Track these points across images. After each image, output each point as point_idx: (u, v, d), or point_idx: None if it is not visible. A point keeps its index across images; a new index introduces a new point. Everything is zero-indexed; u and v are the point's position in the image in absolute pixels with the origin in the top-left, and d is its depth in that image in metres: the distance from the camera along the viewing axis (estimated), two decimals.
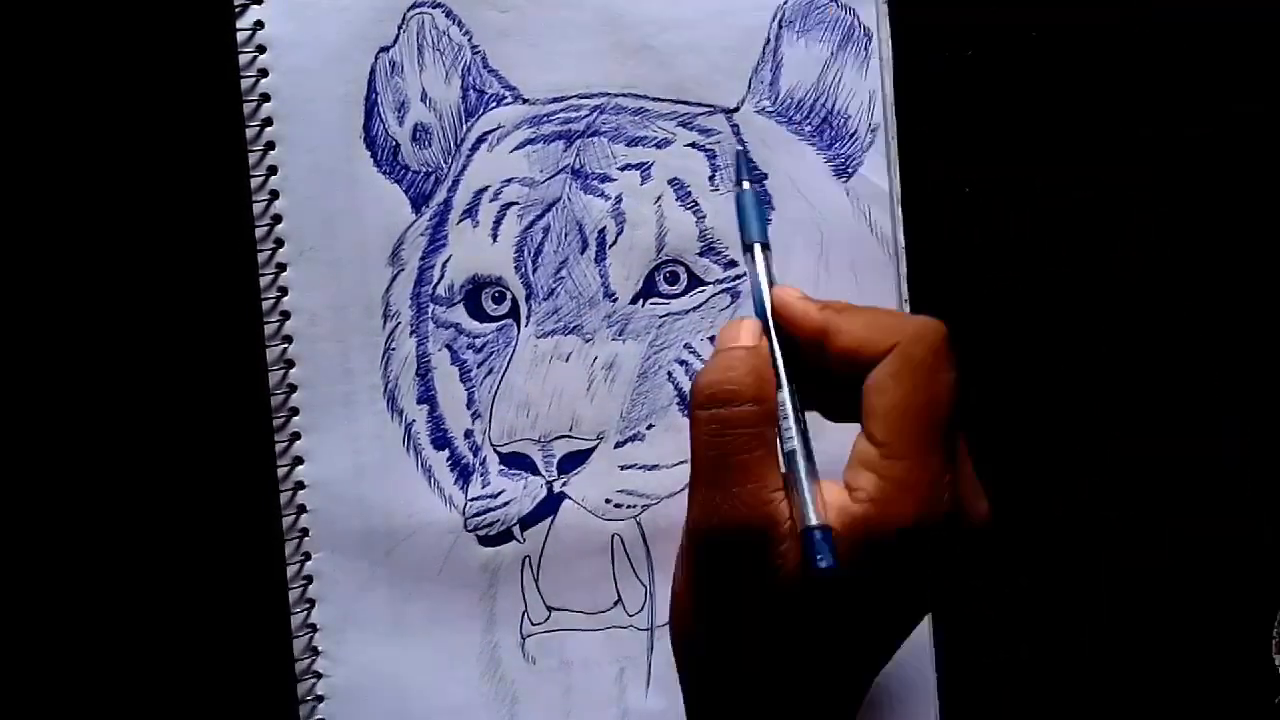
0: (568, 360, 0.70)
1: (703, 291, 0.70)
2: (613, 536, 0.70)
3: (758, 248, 0.61)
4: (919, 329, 0.57)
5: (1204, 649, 0.72)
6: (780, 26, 0.70)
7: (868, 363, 0.56)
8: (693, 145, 0.70)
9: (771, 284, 0.60)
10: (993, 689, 0.73)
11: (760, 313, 0.59)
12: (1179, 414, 0.74)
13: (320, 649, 0.70)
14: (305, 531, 0.70)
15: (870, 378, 0.56)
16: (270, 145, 0.70)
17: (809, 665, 0.57)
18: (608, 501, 0.69)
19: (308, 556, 0.70)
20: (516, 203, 0.70)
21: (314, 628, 0.70)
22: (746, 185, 0.63)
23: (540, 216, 0.70)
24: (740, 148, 0.70)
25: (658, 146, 0.70)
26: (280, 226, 0.70)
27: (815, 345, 0.57)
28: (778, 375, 0.57)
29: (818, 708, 0.58)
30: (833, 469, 0.57)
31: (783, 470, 0.56)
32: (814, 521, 0.54)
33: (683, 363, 0.70)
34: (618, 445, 0.70)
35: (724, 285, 0.71)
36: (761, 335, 0.58)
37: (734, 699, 0.59)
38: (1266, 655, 0.72)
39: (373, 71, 0.70)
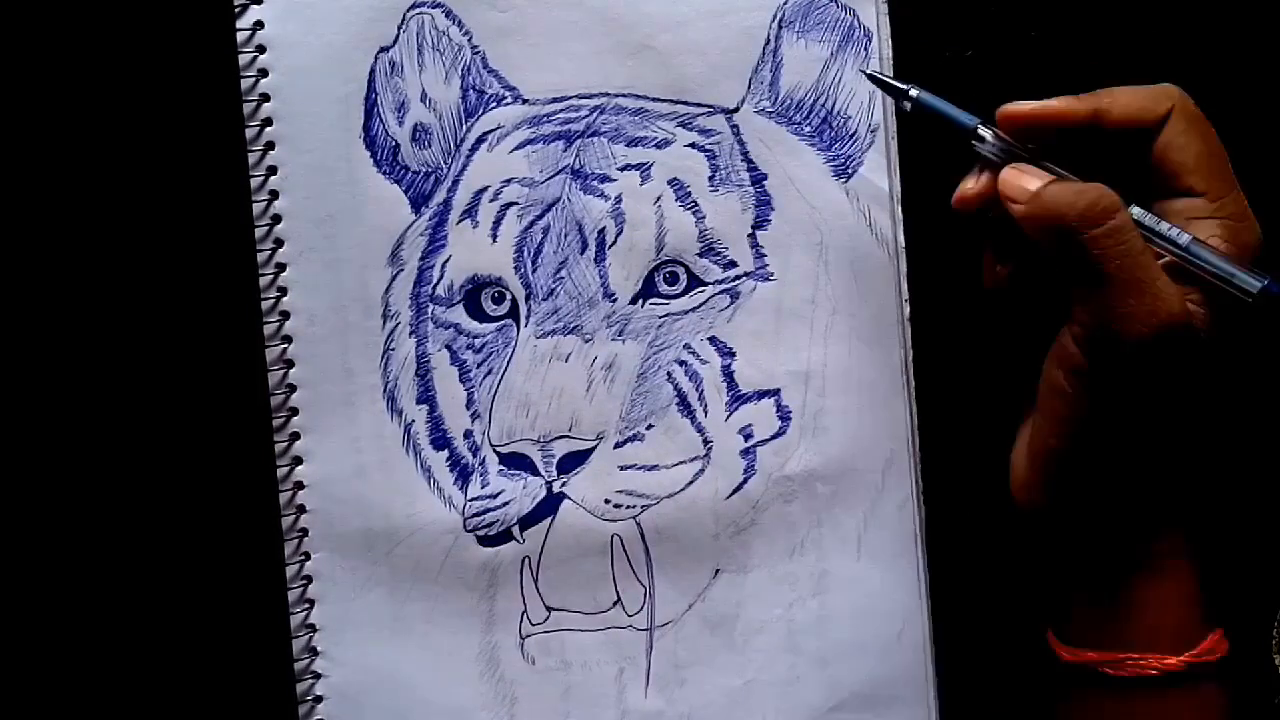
0: (567, 360, 0.70)
1: (702, 292, 0.70)
2: (612, 537, 0.70)
3: (981, 129, 0.66)
4: (1181, 91, 0.64)
5: None
6: (780, 27, 0.70)
7: (1150, 125, 0.63)
8: (692, 146, 0.70)
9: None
10: (992, 688, 0.73)
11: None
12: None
13: (319, 649, 0.70)
14: (305, 531, 0.70)
15: (1163, 139, 0.63)
16: (270, 145, 0.69)
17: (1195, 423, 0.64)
18: (607, 502, 0.69)
19: (307, 556, 0.70)
20: (516, 203, 0.70)
21: (313, 628, 0.70)
22: (915, 92, 0.67)
23: (540, 217, 0.70)
24: (869, 71, 0.70)
25: (657, 147, 0.70)
26: (280, 226, 0.70)
27: (1089, 130, 0.64)
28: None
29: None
30: None
31: None
32: (1257, 285, 0.61)
33: (682, 363, 0.70)
34: (617, 445, 0.70)
35: (724, 286, 0.71)
36: None
37: (1145, 489, 0.65)
38: (1267, 655, 0.72)
39: (373, 71, 0.70)
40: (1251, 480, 0.74)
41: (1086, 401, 0.63)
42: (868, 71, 0.70)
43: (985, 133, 0.66)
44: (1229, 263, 0.61)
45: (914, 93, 0.67)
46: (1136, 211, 0.62)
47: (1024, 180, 0.63)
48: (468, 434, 0.70)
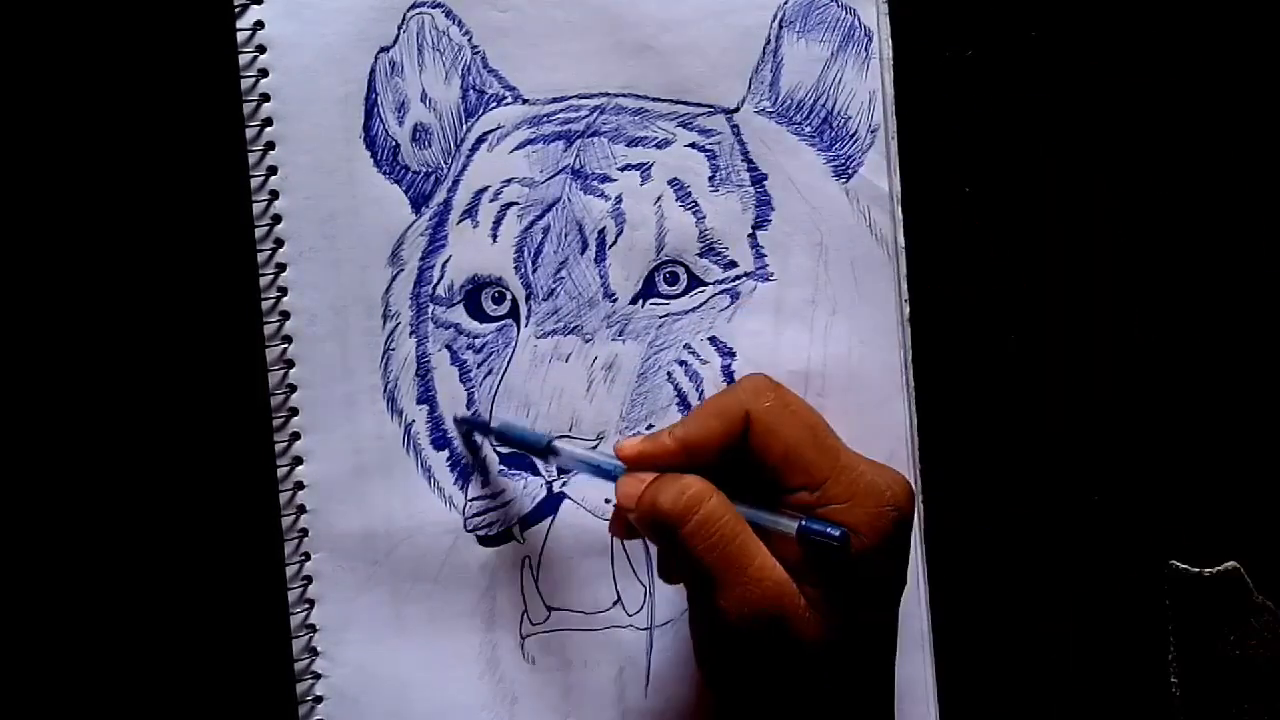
0: (567, 360, 0.70)
1: (702, 292, 0.70)
2: (612, 536, 0.70)
3: (556, 443, 0.66)
4: (750, 387, 0.64)
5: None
6: (780, 26, 0.71)
7: (736, 442, 0.62)
8: (693, 146, 0.70)
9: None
10: (992, 688, 0.73)
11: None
12: (1179, 413, 0.74)
13: (319, 649, 0.70)
14: (305, 531, 0.70)
15: (750, 448, 0.63)
16: (270, 145, 0.69)
17: (842, 682, 0.62)
18: (607, 501, 0.69)
19: (307, 556, 0.70)
20: (516, 203, 0.70)
21: (313, 628, 0.70)
22: (494, 424, 0.70)
23: (540, 217, 0.70)
24: (457, 415, 0.71)
25: (658, 147, 0.70)
26: (280, 226, 0.70)
27: (685, 461, 0.62)
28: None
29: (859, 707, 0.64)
30: None
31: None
32: (798, 521, 0.60)
33: (682, 363, 0.70)
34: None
35: (724, 285, 0.71)
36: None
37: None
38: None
39: (373, 71, 0.70)
40: (1250, 477, 0.74)
41: (709, 667, 0.64)
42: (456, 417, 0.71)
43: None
44: (766, 518, 0.61)
45: (495, 424, 0.70)
46: (744, 510, 0.61)
47: (631, 487, 0.63)
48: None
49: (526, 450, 0.68)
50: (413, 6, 0.70)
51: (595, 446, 0.69)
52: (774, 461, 0.62)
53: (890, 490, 0.62)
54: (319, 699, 0.70)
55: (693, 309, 0.70)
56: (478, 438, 0.70)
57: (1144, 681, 0.73)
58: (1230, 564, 0.73)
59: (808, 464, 0.62)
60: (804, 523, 0.60)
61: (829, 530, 0.59)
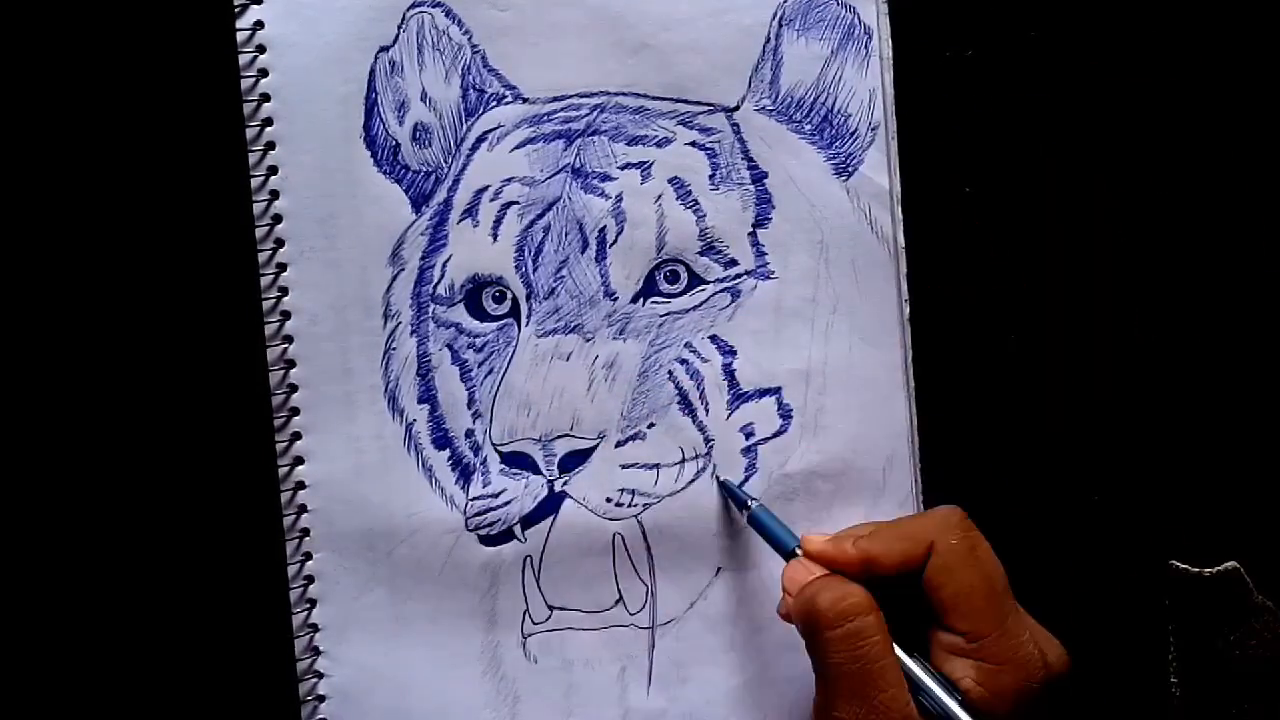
0: (568, 359, 0.70)
1: (703, 290, 0.71)
2: (614, 535, 0.70)
3: (798, 550, 0.67)
4: (942, 519, 0.64)
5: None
6: (780, 25, 0.71)
7: (917, 566, 0.63)
8: (693, 144, 0.70)
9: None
10: None
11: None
12: (1179, 413, 0.74)
13: (321, 649, 0.70)
14: (306, 531, 0.70)
15: (925, 576, 0.63)
16: (270, 145, 0.69)
17: None
18: (609, 500, 0.69)
19: (308, 556, 0.70)
20: (517, 202, 0.70)
21: (315, 628, 0.70)
22: (753, 504, 0.70)
23: (540, 216, 0.70)
24: (722, 479, 0.71)
25: (658, 145, 0.70)
26: (280, 226, 0.70)
27: (865, 576, 0.64)
28: None
29: None
30: None
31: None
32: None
33: (683, 361, 0.70)
34: (619, 444, 0.70)
35: (724, 284, 0.71)
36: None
37: None
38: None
39: (373, 71, 0.70)
40: (1248, 476, 0.74)
41: None
42: (721, 478, 0.71)
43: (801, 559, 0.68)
44: (954, 708, 0.61)
45: (753, 505, 0.70)
46: (905, 658, 0.62)
47: (800, 575, 0.65)
48: (469, 433, 0.70)
49: (772, 543, 0.69)
50: (412, 6, 0.70)
51: (597, 446, 0.70)
52: (944, 600, 0.63)
53: (1047, 665, 0.62)
54: (321, 698, 0.70)
55: (693, 307, 0.70)
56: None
57: (1144, 681, 0.73)
58: (1230, 564, 0.73)
59: (976, 614, 0.62)
60: None
61: None
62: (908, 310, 0.71)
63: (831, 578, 0.64)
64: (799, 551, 0.67)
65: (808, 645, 0.63)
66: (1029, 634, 0.63)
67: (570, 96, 0.70)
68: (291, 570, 0.70)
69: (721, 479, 0.70)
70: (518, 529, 0.70)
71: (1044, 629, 0.64)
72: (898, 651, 0.62)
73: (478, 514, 0.70)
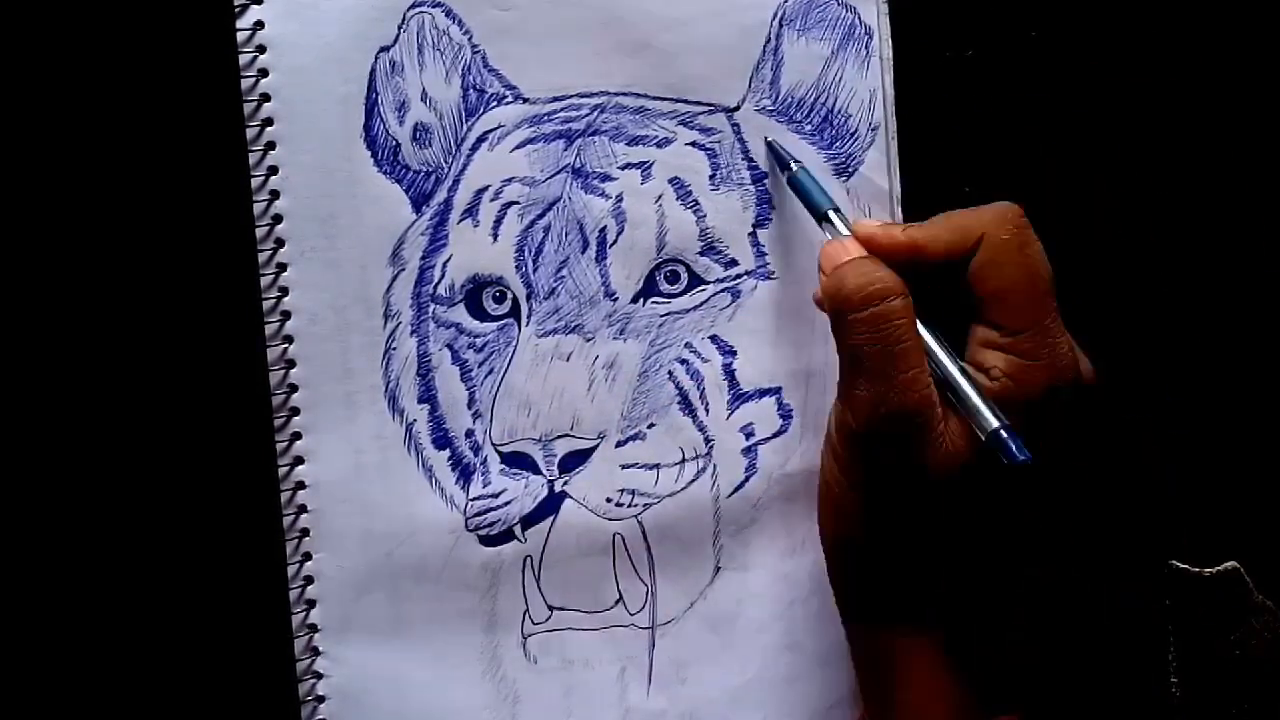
0: (568, 359, 0.70)
1: (703, 291, 0.71)
2: (614, 535, 0.70)
3: (832, 215, 0.67)
4: (997, 213, 0.63)
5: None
6: (781, 25, 0.71)
7: (963, 259, 0.63)
8: (693, 144, 0.70)
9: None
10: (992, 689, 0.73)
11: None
12: (1179, 413, 0.74)
13: (321, 649, 0.70)
14: (305, 531, 0.70)
15: (970, 269, 0.63)
16: (270, 145, 0.69)
17: (963, 537, 0.64)
18: (609, 500, 0.69)
19: (308, 557, 0.70)
20: (517, 202, 0.70)
21: (314, 628, 0.70)
22: (794, 166, 0.69)
23: (541, 216, 0.70)
24: (769, 139, 0.71)
25: (658, 145, 0.70)
26: (280, 226, 0.69)
27: (910, 263, 0.63)
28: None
29: (966, 592, 0.65)
30: None
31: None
32: (995, 424, 0.61)
33: (683, 361, 0.70)
34: (619, 444, 0.70)
35: (725, 284, 0.71)
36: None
37: (898, 581, 0.65)
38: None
39: (373, 71, 0.70)
40: (1248, 473, 0.74)
41: (841, 464, 0.65)
42: (769, 139, 0.71)
43: (835, 220, 0.67)
44: (974, 398, 0.62)
45: (795, 167, 0.69)
46: (938, 349, 0.63)
47: (837, 253, 0.65)
48: (469, 433, 0.70)
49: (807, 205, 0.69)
50: (413, 6, 0.70)
51: (597, 446, 0.69)
52: (987, 292, 0.63)
53: (1074, 370, 0.63)
54: (321, 698, 0.70)
55: (694, 308, 0.70)
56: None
57: (1144, 681, 0.73)
58: (1230, 564, 0.73)
59: (1016, 309, 0.62)
60: (1002, 431, 0.60)
61: (1015, 452, 0.60)
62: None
63: (862, 259, 0.63)
64: (832, 215, 0.67)
65: (833, 325, 0.63)
66: (1066, 337, 0.63)
67: (571, 97, 0.70)
68: (291, 570, 0.70)
69: (769, 139, 0.71)
70: (518, 529, 0.70)
71: (1076, 345, 0.64)
72: (923, 333, 0.62)
73: (478, 514, 0.70)
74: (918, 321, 0.62)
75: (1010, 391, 0.62)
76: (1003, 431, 0.60)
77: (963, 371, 0.63)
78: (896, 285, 0.61)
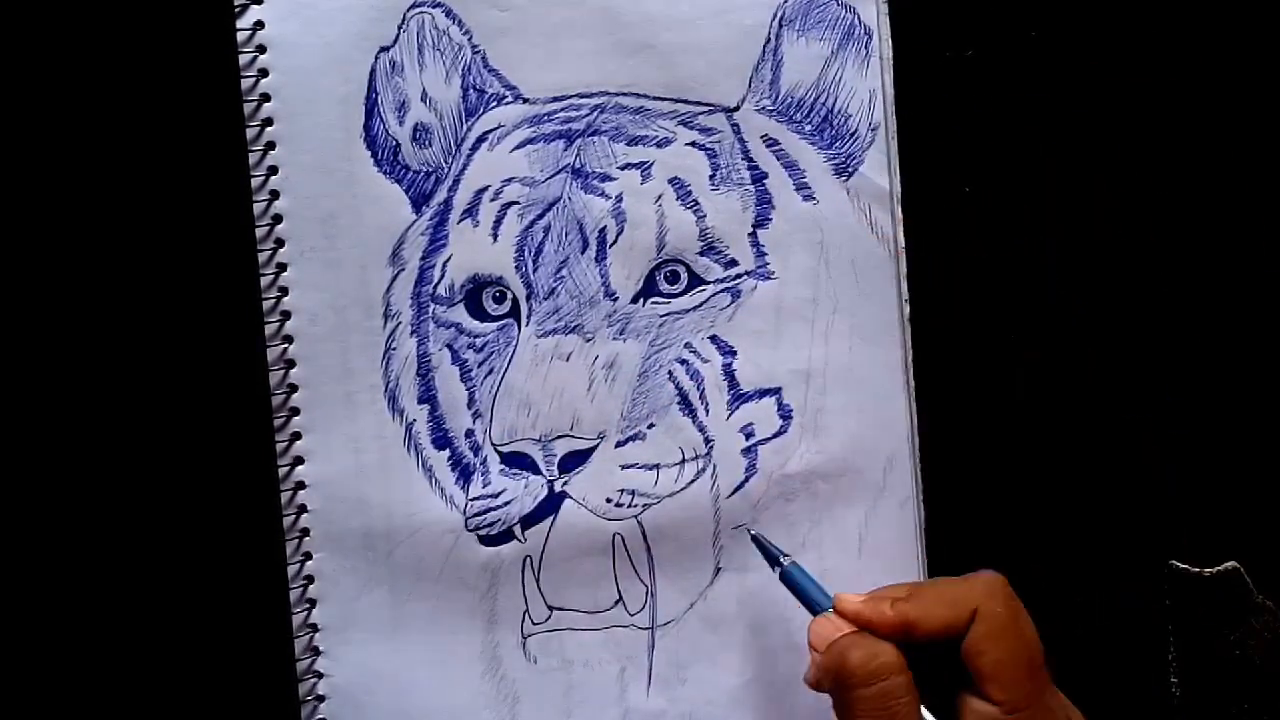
0: (568, 360, 0.70)
1: (703, 290, 0.70)
2: (614, 536, 0.70)
3: (829, 613, 0.65)
4: (987, 585, 0.63)
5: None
6: (780, 25, 0.71)
7: (958, 633, 0.62)
8: (693, 144, 0.70)
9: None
10: None
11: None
12: (1178, 413, 0.74)
13: (321, 649, 0.70)
14: (306, 531, 0.70)
15: (966, 645, 0.62)
16: (270, 145, 0.69)
17: None
18: (609, 500, 0.69)
19: (308, 556, 0.70)
20: (517, 202, 0.70)
21: (315, 628, 0.70)
22: (785, 561, 0.68)
23: (541, 216, 0.70)
24: (754, 533, 0.70)
25: (658, 146, 0.70)
26: (280, 226, 0.70)
27: (902, 639, 0.63)
28: None
29: None
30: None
31: None
32: None
33: (683, 362, 0.70)
34: (618, 444, 0.70)
35: (724, 284, 0.71)
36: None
37: None
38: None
39: (373, 71, 0.70)
40: (1245, 472, 0.74)
41: None
42: (753, 532, 0.70)
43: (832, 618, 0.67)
44: None
45: (785, 562, 0.68)
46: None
47: (827, 631, 0.64)
48: (469, 433, 0.70)
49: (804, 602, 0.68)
50: (413, 6, 0.70)
51: (596, 446, 0.70)
52: (983, 668, 0.62)
53: None
54: (321, 698, 0.70)
55: (693, 308, 0.70)
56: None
57: (1144, 681, 0.73)
58: (1230, 564, 0.73)
59: (1016, 685, 0.61)
60: None
61: None
62: (908, 310, 0.71)
63: (862, 634, 0.63)
64: (832, 612, 0.66)
65: (835, 703, 0.63)
66: (1064, 712, 0.63)
67: (570, 97, 0.70)
68: (291, 570, 0.70)
69: (754, 533, 0.70)
70: (517, 529, 0.70)
71: (1075, 707, 0.64)
72: (925, 715, 0.62)
73: (478, 514, 0.70)
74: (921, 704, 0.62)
75: None
76: None
77: None
78: (899, 662, 0.61)
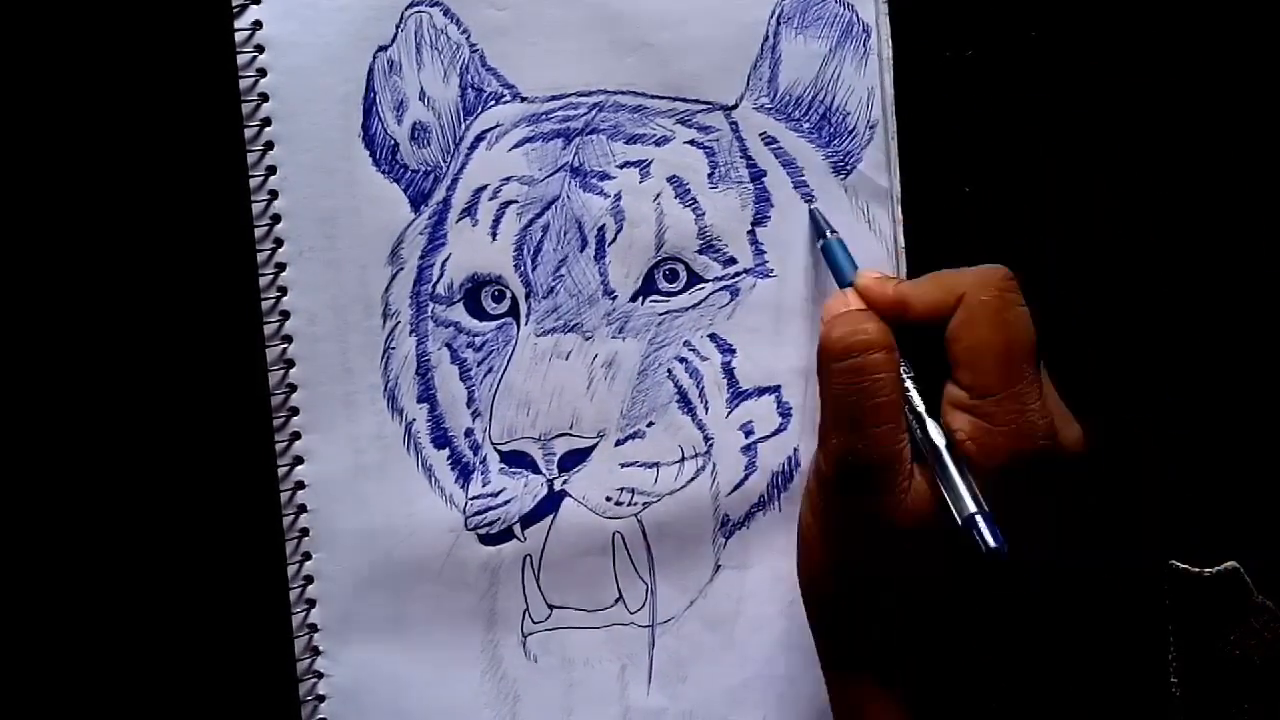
0: (568, 358, 0.70)
1: (702, 289, 0.70)
2: (614, 534, 0.70)
3: (845, 291, 0.67)
4: (981, 275, 0.63)
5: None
6: (779, 23, 0.71)
7: (944, 319, 0.63)
8: (691, 143, 0.70)
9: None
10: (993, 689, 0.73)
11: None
12: (1178, 412, 0.74)
13: (321, 649, 0.70)
14: (305, 531, 0.70)
15: (948, 329, 0.63)
16: (270, 145, 0.69)
17: (927, 593, 0.63)
18: (608, 499, 0.69)
19: (308, 556, 0.70)
20: (515, 201, 0.70)
21: (314, 628, 0.70)
22: (831, 236, 0.69)
23: (539, 215, 0.70)
24: (813, 207, 0.71)
25: (656, 144, 0.70)
26: (280, 226, 0.70)
27: (897, 318, 0.64)
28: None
29: (939, 637, 0.64)
30: None
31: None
32: (973, 509, 0.60)
33: (682, 360, 0.70)
34: (618, 443, 0.70)
35: (723, 283, 0.71)
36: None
37: (862, 631, 0.65)
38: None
39: (371, 70, 0.70)
40: (1245, 470, 0.74)
41: (815, 511, 0.66)
42: (812, 206, 0.71)
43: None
44: (955, 479, 0.61)
45: (830, 237, 0.69)
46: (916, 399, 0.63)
47: (836, 306, 0.66)
48: (468, 432, 0.70)
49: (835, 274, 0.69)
50: (411, 5, 0.70)
51: (596, 444, 0.69)
52: (958, 353, 0.62)
53: (1050, 438, 0.61)
54: (321, 698, 0.70)
55: (692, 306, 0.70)
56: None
57: (1144, 681, 0.73)
58: (1230, 564, 0.73)
59: (983, 372, 0.62)
60: (977, 517, 0.59)
61: (989, 541, 0.59)
62: None
63: (853, 313, 0.64)
64: (850, 290, 0.67)
65: (818, 373, 0.64)
66: (1040, 404, 0.61)
67: (569, 95, 0.70)
68: (291, 570, 0.70)
69: (813, 208, 0.71)
70: (517, 528, 0.70)
71: (1065, 409, 0.63)
72: (916, 400, 0.63)
73: (477, 513, 0.70)
74: (913, 388, 0.63)
75: (971, 455, 0.61)
76: (977, 518, 0.60)
77: (949, 448, 0.62)
78: (881, 339, 0.62)
